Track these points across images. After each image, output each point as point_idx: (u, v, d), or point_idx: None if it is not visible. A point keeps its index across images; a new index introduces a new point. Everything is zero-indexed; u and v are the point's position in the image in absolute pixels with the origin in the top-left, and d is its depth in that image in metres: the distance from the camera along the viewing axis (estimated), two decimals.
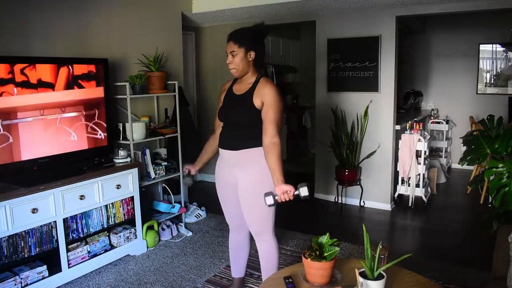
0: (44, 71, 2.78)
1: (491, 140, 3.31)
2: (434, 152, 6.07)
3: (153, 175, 3.59)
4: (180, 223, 3.93)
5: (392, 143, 4.47)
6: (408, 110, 6.26)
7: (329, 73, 4.68)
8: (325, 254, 1.74)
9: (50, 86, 2.82)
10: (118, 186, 3.19)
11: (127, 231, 3.32)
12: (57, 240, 2.80)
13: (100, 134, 3.21)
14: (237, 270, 2.68)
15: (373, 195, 4.59)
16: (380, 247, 1.68)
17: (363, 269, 1.67)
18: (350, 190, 4.67)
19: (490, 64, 6.18)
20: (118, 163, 3.26)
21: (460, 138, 4.56)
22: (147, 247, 3.50)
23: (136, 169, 3.34)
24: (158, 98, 3.98)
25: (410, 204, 4.56)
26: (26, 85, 2.68)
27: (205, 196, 4.59)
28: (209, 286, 2.91)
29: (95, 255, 3.08)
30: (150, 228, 3.53)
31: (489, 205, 4.43)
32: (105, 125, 3.24)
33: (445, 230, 3.95)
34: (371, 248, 1.68)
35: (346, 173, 4.45)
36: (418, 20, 5.99)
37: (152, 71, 3.63)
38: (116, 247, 3.24)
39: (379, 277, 1.64)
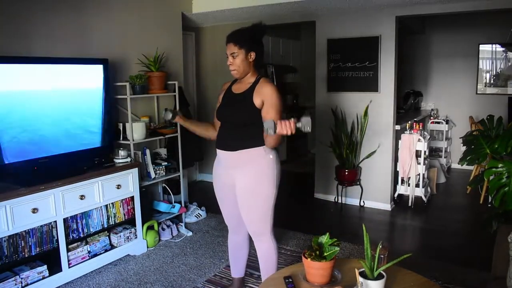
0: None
1: (491, 140, 3.31)
2: (434, 152, 6.07)
3: (153, 175, 3.59)
4: (180, 223, 3.94)
5: (392, 143, 4.48)
6: (408, 110, 6.26)
7: (329, 73, 4.68)
8: (325, 254, 1.75)
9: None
10: (118, 186, 3.19)
11: (127, 231, 3.32)
12: (57, 240, 2.80)
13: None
14: (237, 270, 2.68)
15: (373, 195, 4.59)
16: (380, 247, 1.68)
17: (363, 269, 1.67)
18: (350, 190, 4.67)
19: (490, 64, 6.18)
20: (118, 163, 3.26)
21: (460, 138, 4.57)
22: (147, 247, 3.50)
23: (136, 169, 3.34)
24: (158, 98, 3.98)
25: (410, 204, 4.56)
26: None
27: (205, 196, 4.59)
28: (209, 286, 2.91)
29: (95, 255, 3.08)
30: (150, 228, 3.53)
31: (489, 205, 4.43)
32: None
33: (445, 230, 3.95)
34: (371, 248, 1.69)
35: (346, 173, 4.45)
36: (418, 20, 5.99)
37: (152, 71, 3.63)
38: (116, 247, 3.24)
39: (379, 277, 1.65)
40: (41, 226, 2.70)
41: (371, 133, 4.49)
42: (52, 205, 2.74)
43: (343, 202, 4.69)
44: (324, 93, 4.76)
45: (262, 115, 2.19)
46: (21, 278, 2.60)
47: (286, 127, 1.94)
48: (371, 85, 4.42)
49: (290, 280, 1.80)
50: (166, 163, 3.76)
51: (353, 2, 3.95)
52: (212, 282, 2.97)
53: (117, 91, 3.48)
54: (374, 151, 4.49)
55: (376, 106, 4.44)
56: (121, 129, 3.45)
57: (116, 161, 3.28)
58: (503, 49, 6.04)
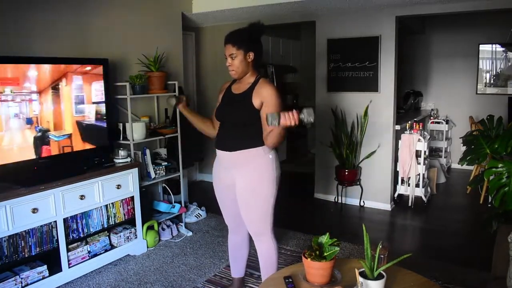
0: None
1: (491, 140, 3.31)
2: (434, 152, 6.07)
3: (153, 175, 3.59)
4: (180, 223, 3.94)
5: (392, 143, 4.48)
6: (408, 110, 6.26)
7: (329, 73, 4.68)
8: (325, 254, 1.75)
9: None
10: (118, 186, 3.19)
11: (127, 231, 3.32)
12: (57, 240, 2.80)
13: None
14: (237, 270, 2.68)
15: (373, 195, 4.59)
16: (380, 247, 1.68)
17: (363, 269, 1.67)
18: (350, 190, 4.67)
19: (490, 64, 6.18)
20: (118, 163, 3.26)
21: (460, 138, 4.56)
22: (147, 247, 3.50)
23: (136, 169, 3.34)
24: (158, 98, 3.98)
25: (410, 204, 4.56)
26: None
27: (205, 196, 4.59)
28: (209, 286, 2.91)
29: (95, 255, 3.08)
30: (150, 228, 3.53)
31: (489, 205, 4.43)
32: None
33: (445, 230, 3.95)
34: (371, 248, 1.69)
35: (346, 173, 4.45)
36: (418, 20, 5.99)
37: (152, 71, 3.63)
38: (116, 247, 3.24)
39: (379, 277, 1.65)
40: (41, 226, 2.70)
41: (371, 133, 4.49)
42: (52, 205, 2.74)
43: (343, 202, 4.69)
44: (324, 93, 4.77)
45: (262, 115, 2.19)
46: (21, 278, 2.61)
47: (290, 118, 1.95)
48: (371, 85, 4.41)
49: (290, 280, 1.80)
50: (166, 163, 3.76)
51: (353, 2, 3.95)
52: (212, 282, 2.97)
53: (117, 91, 3.48)
54: (374, 151, 4.49)
55: (376, 106, 4.44)
56: (121, 129, 3.45)
57: (116, 161, 3.28)
58: (503, 49, 6.04)
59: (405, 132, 4.56)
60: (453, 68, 6.40)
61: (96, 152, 3.19)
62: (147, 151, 3.55)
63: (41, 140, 2.80)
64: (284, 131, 2.10)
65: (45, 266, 2.75)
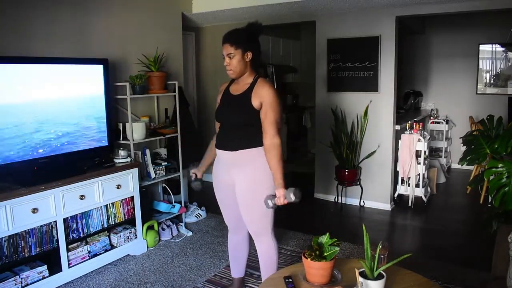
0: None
1: (491, 140, 3.31)
2: (434, 152, 6.07)
3: (153, 175, 3.59)
4: (180, 223, 3.94)
5: (392, 143, 4.48)
6: (408, 110, 6.27)
7: (329, 73, 4.68)
8: (325, 254, 1.75)
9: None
10: (118, 186, 3.19)
11: (127, 231, 3.32)
12: (57, 240, 2.80)
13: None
14: (237, 270, 2.68)
15: (373, 195, 4.59)
16: (380, 247, 1.68)
17: (363, 269, 1.67)
18: (350, 190, 4.67)
19: (490, 64, 6.18)
20: (118, 163, 3.26)
21: (460, 138, 4.57)
22: (147, 247, 3.50)
23: (136, 169, 3.34)
24: (158, 98, 3.98)
25: (410, 204, 4.56)
26: None
27: (205, 196, 4.55)
28: (209, 286, 2.91)
29: (95, 255, 3.08)
30: (150, 228, 3.53)
31: (489, 205, 4.43)
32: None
33: (445, 230, 3.95)
34: (371, 248, 1.69)
35: (346, 173, 4.45)
36: (418, 20, 5.99)
37: (152, 71, 3.63)
38: (116, 247, 3.24)
39: (379, 277, 1.65)
40: (41, 226, 2.70)
41: (371, 133, 4.49)
42: (52, 205, 2.74)
43: (343, 202, 4.69)
44: (324, 93, 4.76)
45: (261, 116, 2.18)
46: (21, 278, 2.61)
47: (280, 202, 2.17)
48: (371, 85, 4.41)
49: (290, 280, 1.81)
50: (166, 163, 3.76)
51: (353, 2, 3.95)
52: (212, 282, 2.97)
53: (117, 91, 3.48)
54: (374, 151, 4.49)
55: (376, 106, 4.44)
56: (121, 129, 3.45)
57: (116, 161, 3.28)
58: (503, 49, 6.04)
59: (405, 132, 4.56)
60: (453, 68, 6.40)
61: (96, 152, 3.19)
62: (147, 151, 3.55)
63: None
64: (280, 154, 2.19)
65: (45, 266, 2.75)
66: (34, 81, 2.73)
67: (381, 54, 4.32)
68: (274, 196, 2.18)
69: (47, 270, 2.76)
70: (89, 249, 3.04)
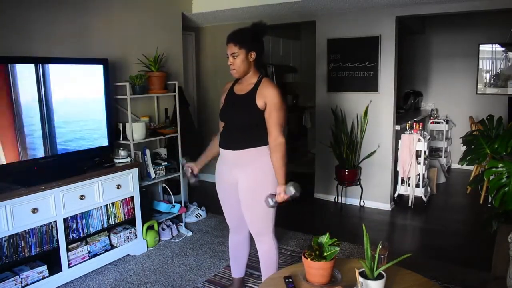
0: None
1: (491, 140, 3.31)
2: (434, 152, 6.07)
3: (153, 175, 3.59)
4: (180, 223, 3.94)
5: (392, 143, 4.48)
6: (408, 110, 6.26)
7: (329, 73, 4.68)
8: (325, 254, 1.75)
9: None
10: (118, 186, 3.19)
11: (127, 231, 3.32)
12: (57, 240, 2.80)
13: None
14: (237, 270, 2.68)
15: (373, 195, 4.59)
16: (380, 247, 1.68)
17: (363, 269, 1.67)
18: (350, 190, 4.67)
19: (489, 64, 6.18)
20: (118, 163, 3.26)
21: (460, 138, 4.57)
22: (147, 247, 3.50)
23: (136, 169, 3.34)
24: (158, 98, 3.98)
25: (410, 204, 4.56)
26: None
27: (205, 196, 4.59)
28: (209, 286, 2.91)
29: (95, 255, 3.08)
30: (150, 228, 3.53)
31: (489, 205, 4.43)
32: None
33: (445, 230, 3.95)
34: (371, 248, 1.69)
35: (346, 173, 4.45)
36: (418, 20, 5.99)
37: (152, 71, 3.63)
38: (116, 247, 3.24)
39: (379, 277, 1.65)
40: (41, 226, 2.70)
41: (371, 133, 4.49)
42: (52, 205, 2.74)
43: (343, 202, 4.69)
44: (324, 93, 4.76)
45: (265, 116, 2.19)
46: (21, 278, 2.61)
47: (282, 199, 2.18)
48: (371, 85, 4.41)
49: (290, 280, 1.81)
50: (166, 163, 3.76)
51: (353, 2, 3.95)
52: (212, 282, 2.97)
53: (117, 91, 3.48)
54: (374, 151, 4.49)
55: (376, 106, 4.44)
56: (121, 129, 3.45)
57: (116, 161, 3.28)
58: (503, 49, 6.04)
59: (405, 132, 4.56)
60: (453, 68, 6.40)
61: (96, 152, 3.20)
62: (147, 151, 3.55)
63: None
64: (284, 153, 2.20)
65: (45, 266, 2.75)
66: (34, 81, 2.73)
67: (381, 54, 4.32)
68: (274, 194, 2.17)
69: (47, 270, 2.75)
70: (89, 249, 3.04)
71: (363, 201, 4.63)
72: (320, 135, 4.82)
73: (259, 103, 2.18)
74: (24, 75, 2.67)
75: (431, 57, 6.59)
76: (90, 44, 3.33)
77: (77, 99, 3.07)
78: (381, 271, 1.66)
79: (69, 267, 2.89)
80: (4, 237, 2.50)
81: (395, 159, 4.58)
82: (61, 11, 3.12)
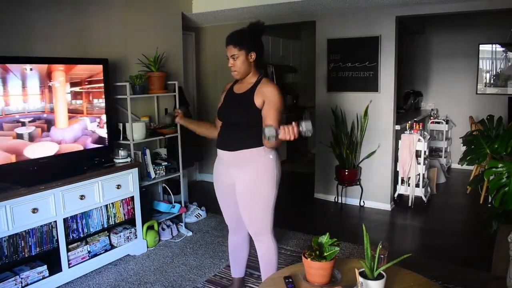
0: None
1: (491, 140, 3.31)
2: (434, 152, 6.07)
3: (153, 175, 3.59)
4: (180, 223, 3.94)
5: (392, 143, 4.48)
6: (408, 110, 6.26)
7: (329, 73, 4.68)
8: (325, 254, 1.74)
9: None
10: (118, 186, 3.19)
11: (127, 231, 3.32)
12: (57, 240, 2.80)
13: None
14: (237, 270, 2.68)
15: (373, 195, 4.59)
16: (380, 247, 1.68)
17: (363, 269, 1.67)
18: (350, 190, 4.67)
19: (489, 64, 6.18)
20: (118, 163, 3.26)
21: (460, 138, 4.57)
22: (147, 247, 3.50)
23: (136, 169, 3.34)
24: (158, 98, 3.98)
25: (410, 204, 4.56)
26: None
27: (205, 196, 4.59)
28: (209, 286, 2.91)
29: (95, 255, 3.08)
30: (150, 228, 3.53)
31: (489, 205, 4.43)
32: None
33: (445, 230, 3.95)
34: (371, 248, 1.69)
35: (346, 173, 4.45)
36: (418, 20, 5.99)
37: (152, 71, 3.63)
38: (116, 247, 3.24)
39: (379, 277, 1.65)
40: (41, 226, 2.70)
41: (371, 133, 4.49)
42: (52, 205, 2.74)
43: (343, 202, 4.69)
44: (324, 93, 4.77)
45: (262, 114, 2.19)
46: (21, 278, 2.61)
47: (289, 133, 1.91)
48: (371, 85, 4.42)
49: (290, 280, 1.80)
50: (166, 163, 3.76)
51: (353, 2, 3.95)
52: (212, 282, 2.97)
53: (117, 91, 3.48)
54: (374, 151, 4.49)
55: (376, 106, 4.44)
56: (121, 129, 3.45)
57: (116, 161, 3.28)
58: (503, 49, 6.04)
59: (405, 132, 4.56)
60: (453, 68, 6.40)
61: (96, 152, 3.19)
62: (147, 151, 3.55)
63: None
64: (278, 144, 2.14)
65: (45, 266, 2.75)
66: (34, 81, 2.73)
67: (381, 54, 4.33)
68: (274, 129, 1.91)
69: (47, 270, 2.75)
70: (89, 249, 3.04)
71: (363, 201, 4.63)
72: (320, 135, 4.82)
73: (257, 101, 2.19)
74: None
75: (431, 57, 6.59)
76: (90, 44, 3.33)
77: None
78: (381, 271, 1.66)
79: (69, 267, 2.89)
80: (4, 237, 2.50)
81: (395, 159, 4.58)
82: (61, 11, 3.12)
